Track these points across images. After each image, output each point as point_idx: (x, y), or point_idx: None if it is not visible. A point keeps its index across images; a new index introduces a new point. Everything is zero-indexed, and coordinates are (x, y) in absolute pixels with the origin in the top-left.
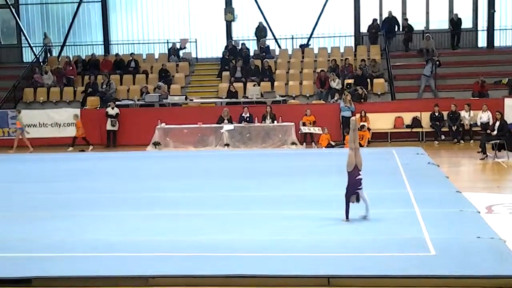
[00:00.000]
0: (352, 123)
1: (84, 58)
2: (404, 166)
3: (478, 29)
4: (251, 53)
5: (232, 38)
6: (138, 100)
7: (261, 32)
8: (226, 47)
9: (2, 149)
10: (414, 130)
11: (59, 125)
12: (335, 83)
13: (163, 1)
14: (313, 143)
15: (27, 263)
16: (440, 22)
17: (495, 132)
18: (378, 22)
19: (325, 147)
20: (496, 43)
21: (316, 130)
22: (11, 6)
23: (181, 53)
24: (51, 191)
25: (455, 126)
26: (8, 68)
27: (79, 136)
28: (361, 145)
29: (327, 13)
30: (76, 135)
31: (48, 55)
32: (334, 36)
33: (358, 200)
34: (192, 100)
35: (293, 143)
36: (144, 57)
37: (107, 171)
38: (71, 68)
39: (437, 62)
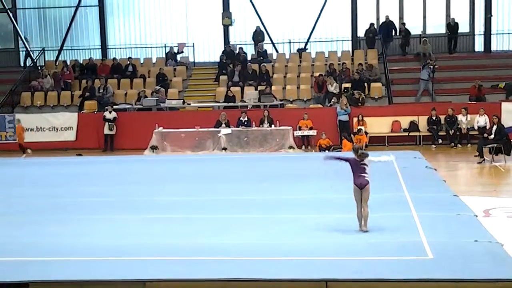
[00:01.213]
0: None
1: (81, 62)
2: (402, 170)
3: (475, 33)
4: (249, 57)
5: (229, 42)
6: (135, 104)
7: (258, 36)
8: (223, 51)
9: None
10: (411, 134)
11: (57, 129)
12: (333, 87)
13: (160, 5)
14: (309, 146)
15: (24, 267)
16: (437, 26)
17: (492, 136)
18: (375, 27)
19: (319, 150)
20: (493, 47)
21: (310, 132)
22: (8, 10)
23: (178, 57)
24: (48, 195)
25: (452, 130)
26: (5, 72)
27: (20, 142)
28: None
29: (324, 18)
30: (18, 141)
31: (34, 59)
32: (331, 40)
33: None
34: (189, 104)
35: (290, 147)
36: (142, 61)
37: (105, 175)
38: (68, 72)
39: (431, 67)
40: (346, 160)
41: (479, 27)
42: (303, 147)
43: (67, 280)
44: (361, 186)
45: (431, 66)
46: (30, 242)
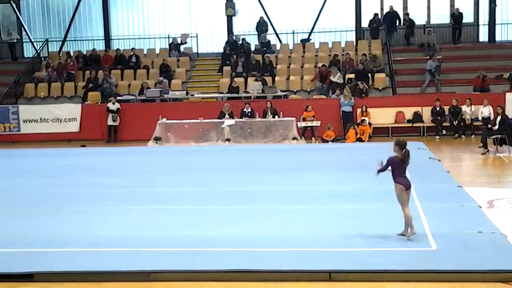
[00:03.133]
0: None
1: (85, 53)
2: None
3: (480, 23)
4: (252, 48)
5: (233, 33)
6: (139, 95)
7: (262, 27)
8: (227, 42)
9: (4, 144)
10: (415, 125)
11: (60, 120)
12: (336, 78)
13: None
14: (313, 137)
15: (28, 258)
16: (442, 16)
17: (496, 127)
18: (379, 17)
19: (322, 142)
20: (498, 38)
21: (314, 123)
22: (12, 1)
23: (182, 48)
24: (52, 186)
25: (456, 121)
26: (9, 63)
27: None
28: (362, 140)
29: (328, 8)
30: None
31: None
32: (335, 31)
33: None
34: (193, 95)
35: (294, 138)
36: (145, 52)
37: (108, 166)
38: (71, 63)
39: (438, 59)
40: (390, 164)
41: (484, 17)
42: (303, 137)
43: (72, 271)
44: (407, 186)
45: (438, 58)
46: (34, 233)
